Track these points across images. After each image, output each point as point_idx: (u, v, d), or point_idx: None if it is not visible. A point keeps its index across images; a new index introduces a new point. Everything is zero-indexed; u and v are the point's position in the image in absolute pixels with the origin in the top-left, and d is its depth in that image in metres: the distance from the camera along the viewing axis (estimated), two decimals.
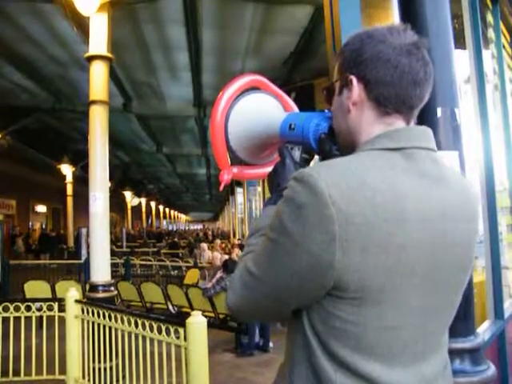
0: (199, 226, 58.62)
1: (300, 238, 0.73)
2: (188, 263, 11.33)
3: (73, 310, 4.15)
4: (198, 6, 7.11)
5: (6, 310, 4.38)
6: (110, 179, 6.29)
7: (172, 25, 7.78)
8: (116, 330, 3.71)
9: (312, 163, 1.03)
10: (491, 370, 1.42)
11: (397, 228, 0.73)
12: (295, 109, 1.25)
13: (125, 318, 3.55)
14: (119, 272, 11.64)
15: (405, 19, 1.36)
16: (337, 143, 0.93)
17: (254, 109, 1.19)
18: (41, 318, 4.51)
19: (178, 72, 10.16)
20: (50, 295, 6.62)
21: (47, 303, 4.48)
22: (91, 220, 5.20)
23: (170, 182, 34.30)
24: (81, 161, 18.98)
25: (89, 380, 4.10)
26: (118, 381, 4.08)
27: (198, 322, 2.92)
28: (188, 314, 3.12)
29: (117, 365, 3.97)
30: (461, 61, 2.42)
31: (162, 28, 7.93)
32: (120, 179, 26.48)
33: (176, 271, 11.59)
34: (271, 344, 5.95)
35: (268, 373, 4.97)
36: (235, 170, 1.23)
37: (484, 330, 2.14)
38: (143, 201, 36.74)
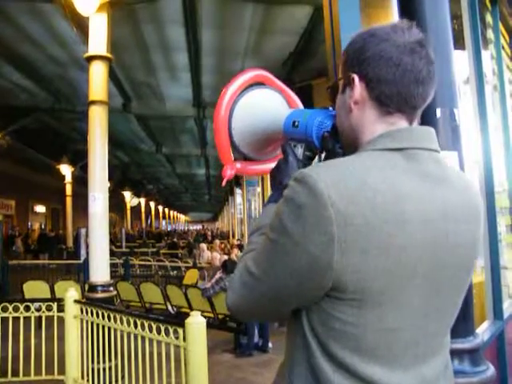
0: (198, 227, 58.58)
1: (299, 238, 0.72)
2: (187, 263, 11.32)
3: (72, 310, 4.15)
4: (197, 7, 7.11)
5: (4, 310, 4.37)
6: (110, 179, 6.29)
7: (171, 25, 7.78)
8: (115, 330, 3.71)
9: (315, 161, 1.03)
10: (490, 370, 1.42)
11: (397, 229, 0.73)
12: (300, 105, 1.24)
13: (124, 319, 3.55)
14: (118, 272, 11.64)
15: (405, 19, 1.36)
16: (340, 142, 0.93)
17: (258, 104, 1.19)
18: (40, 318, 4.51)
19: (178, 72, 10.16)
20: (48, 295, 6.61)
21: (46, 303, 4.48)
22: (90, 220, 5.20)
23: (170, 182, 34.29)
24: (80, 161, 18.97)
25: (88, 380, 4.09)
26: (117, 381, 4.09)
27: (197, 323, 2.92)
28: (187, 315, 3.12)
29: (116, 365, 3.96)
30: (460, 61, 2.42)
31: (161, 28, 7.93)
32: (119, 179, 26.46)
33: (175, 271, 11.59)
34: (270, 344, 5.95)
35: (267, 373, 4.97)
36: (238, 165, 1.22)
37: (483, 331, 2.14)
38: (142, 201, 36.72)
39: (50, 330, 4.40)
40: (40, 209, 26.18)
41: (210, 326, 4.08)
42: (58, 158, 19.38)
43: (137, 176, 30.36)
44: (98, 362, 4.02)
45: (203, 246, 12.41)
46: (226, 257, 8.44)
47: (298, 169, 0.95)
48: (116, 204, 27.46)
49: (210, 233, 30.34)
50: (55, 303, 4.46)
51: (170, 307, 7.03)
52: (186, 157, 21.57)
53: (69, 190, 19.96)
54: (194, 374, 2.83)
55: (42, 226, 25.92)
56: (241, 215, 21.96)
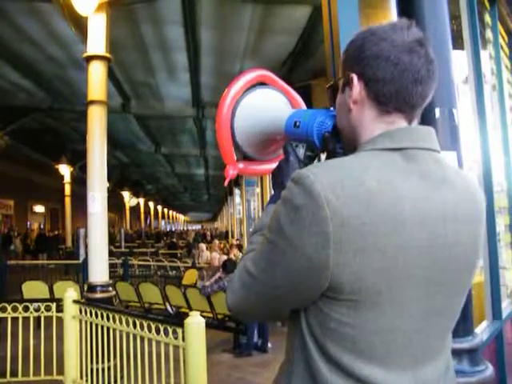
0: (198, 227, 58.57)
1: (296, 239, 0.73)
2: (186, 264, 11.32)
3: (71, 310, 4.14)
4: (196, 7, 7.10)
5: (3, 310, 4.37)
6: (109, 179, 6.29)
7: (170, 25, 7.78)
8: (114, 330, 3.70)
9: (316, 161, 1.03)
10: (489, 370, 1.42)
11: (395, 229, 0.72)
12: (302, 104, 1.24)
13: (123, 319, 3.54)
14: (117, 272, 11.64)
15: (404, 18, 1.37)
16: (341, 142, 0.93)
17: (261, 104, 1.19)
18: (39, 318, 4.51)
19: (177, 72, 10.16)
20: (47, 296, 6.60)
21: (45, 303, 4.47)
22: (89, 220, 5.19)
23: (169, 182, 34.27)
24: (79, 161, 18.97)
25: (87, 380, 4.09)
26: (116, 381, 4.08)
27: (196, 323, 2.92)
28: (186, 315, 3.12)
29: (115, 365, 3.96)
30: (459, 61, 2.42)
31: (160, 28, 7.93)
32: (118, 179, 26.45)
33: (174, 271, 11.58)
34: (270, 344, 5.95)
35: (266, 373, 4.97)
36: (241, 165, 1.23)
37: (482, 331, 2.14)
38: (141, 201, 36.71)
39: (48, 330, 4.40)
40: (39, 209, 26.17)
41: (209, 325, 4.08)
42: (57, 158, 19.37)
43: (136, 176, 30.35)
44: (97, 363, 4.02)
45: (202, 246, 12.41)
46: (225, 257, 8.44)
47: (299, 169, 0.95)
48: (115, 204, 27.48)
49: (209, 233, 30.33)
50: (54, 303, 4.45)
51: (169, 307, 7.03)
52: (185, 157, 21.56)
53: (68, 190, 19.95)
54: (193, 374, 2.83)
55: (41, 226, 25.92)
56: (240, 215, 21.97)
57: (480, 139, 2.43)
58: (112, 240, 19.67)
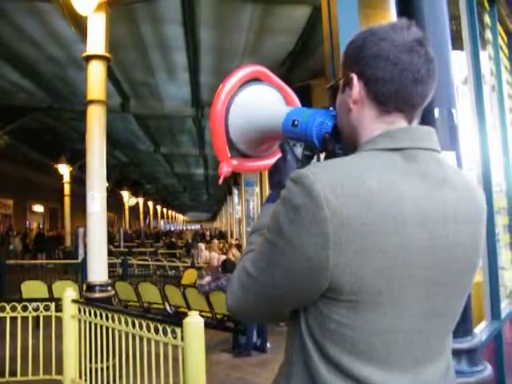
0: (197, 226, 58.55)
1: (295, 239, 0.72)
2: (185, 263, 11.32)
3: (70, 309, 4.14)
4: (196, 6, 7.10)
5: (2, 310, 4.36)
6: (108, 179, 6.29)
7: (170, 25, 7.78)
8: (113, 330, 3.70)
9: (315, 161, 1.02)
10: (488, 370, 1.42)
11: (395, 229, 0.72)
12: (297, 101, 1.23)
13: (122, 318, 3.54)
14: (116, 272, 11.62)
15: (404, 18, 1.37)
16: (341, 142, 0.92)
17: (256, 101, 1.17)
18: (37, 318, 4.49)
19: (176, 72, 10.16)
20: (46, 295, 6.59)
21: (44, 303, 4.47)
22: (89, 220, 5.19)
23: (168, 182, 34.26)
24: (78, 161, 18.95)
25: (85, 380, 4.08)
26: (114, 381, 4.08)
27: (195, 322, 2.92)
28: (185, 314, 3.12)
29: (114, 365, 3.96)
30: (458, 62, 2.43)
31: (159, 28, 7.92)
32: (118, 179, 26.44)
33: (173, 271, 11.57)
34: (269, 344, 5.95)
35: (265, 373, 4.97)
36: (235, 162, 1.21)
37: (481, 331, 2.14)
38: (141, 201, 36.70)
39: (47, 329, 4.39)
40: (38, 208, 26.16)
41: (208, 325, 4.08)
42: (56, 157, 19.35)
43: (135, 176, 30.34)
44: (96, 362, 4.01)
45: (201, 245, 12.42)
46: (224, 257, 8.44)
47: (297, 168, 0.94)
48: (114, 204, 27.49)
49: (208, 232, 30.33)
50: (53, 303, 4.44)
51: (168, 307, 7.02)
52: (185, 156, 21.56)
53: (67, 189, 19.93)
54: (192, 374, 2.82)
55: (40, 226, 25.90)
56: (238, 215, 21.97)
57: (479, 140, 2.43)
58: (111, 239, 19.68)
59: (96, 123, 5.27)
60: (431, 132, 0.84)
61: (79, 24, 6.23)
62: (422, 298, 0.76)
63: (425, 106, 0.85)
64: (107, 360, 3.93)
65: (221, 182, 1.26)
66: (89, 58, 5.32)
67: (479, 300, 2.38)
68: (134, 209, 37.62)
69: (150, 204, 43.42)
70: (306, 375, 0.78)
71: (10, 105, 12.48)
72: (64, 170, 19.57)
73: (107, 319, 3.72)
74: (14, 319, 4.38)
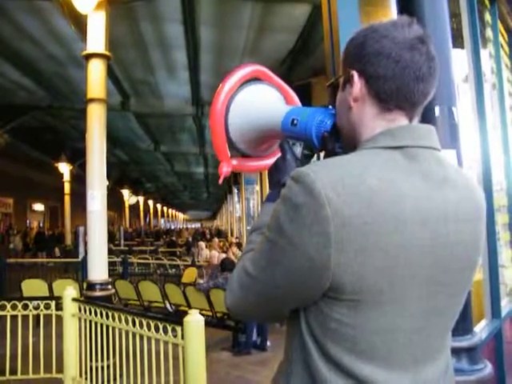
0: (197, 225, 58.56)
1: (296, 238, 0.72)
2: (186, 262, 11.32)
3: (70, 308, 4.14)
4: (196, 4, 7.09)
5: (2, 308, 4.36)
6: (108, 177, 6.29)
7: (170, 23, 7.77)
8: (113, 328, 3.70)
9: (313, 160, 1.02)
10: (488, 368, 1.42)
11: (396, 228, 0.72)
12: (297, 100, 1.23)
13: (122, 317, 3.54)
14: (117, 270, 11.60)
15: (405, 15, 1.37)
16: (340, 141, 0.92)
17: (256, 100, 1.17)
18: (38, 316, 4.50)
19: (176, 70, 10.15)
20: (47, 294, 6.60)
21: (44, 302, 4.47)
22: (89, 218, 5.19)
23: (168, 180, 34.26)
24: (79, 159, 18.95)
25: (86, 378, 4.09)
26: (115, 379, 4.08)
27: (195, 321, 2.92)
28: (185, 313, 3.12)
29: (114, 363, 3.96)
30: (459, 60, 2.42)
31: (159, 26, 7.92)
32: (118, 178, 26.45)
33: (174, 270, 11.58)
34: (269, 343, 5.95)
35: (265, 371, 4.97)
36: (235, 162, 1.21)
37: (481, 329, 2.14)
38: (141, 199, 36.71)
39: (48, 328, 4.39)
40: (38, 207, 26.16)
41: (208, 324, 4.08)
42: (57, 156, 19.36)
43: (135, 174, 30.34)
44: (97, 361, 4.02)
45: (202, 244, 12.42)
46: (224, 255, 8.44)
47: (297, 167, 0.94)
48: (114, 202, 27.48)
49: (207, 231, 30.26)
50: (53, 301, 4.45)
51: (168, 305, 7.03)
52: (185, 155, 21.56)
53: (67, 188, 19.93)
54: (192, 372, 2.83)
55: (41, 225, 25.91)
56: (238, 214, 21.96)
57: (480, 138, 2.43)
58: (112, 238, 19.69)
59: (96, 122, 5.28)
60: (431, 130, 0.83)
61: (79, 22, 6.22)
62: (422, 297, 0.76)
63: (425, 104, 0.85)
64: (108, 358, 3.93)
65: (221, 181, 1.25)
66: (89, 56, 5.32)
67: (479, 298, 2.38)
68: (135, 207, 37.62)
69: (151, 202, 43.44)
70: (306, 374, 0.77)
71: (10, 103, 12.47)
72: (64, 168, 19.58)
73: (107, 318, 3.72)
74: (14, 318, 4.38)
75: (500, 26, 3.18)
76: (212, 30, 7.97)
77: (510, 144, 3.11)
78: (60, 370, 4.21)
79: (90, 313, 3.96)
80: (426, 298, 0.76)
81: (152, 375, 3.25)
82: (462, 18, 2.43)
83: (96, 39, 5.33)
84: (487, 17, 3.01)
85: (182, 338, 2.93)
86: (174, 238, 21.98)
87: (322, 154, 0.98)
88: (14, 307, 4.38)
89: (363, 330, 0.73)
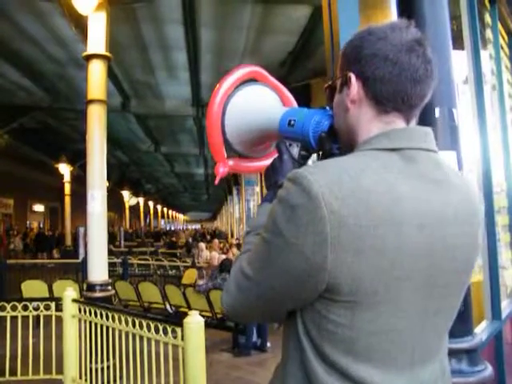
0: (197, 226, 58.56)
1: (292, 239, 0.72)
2: (186, 263, 11.31)
3: (70, 309, 4.14)
4: (196, 6, 7.11)
5: (2, 309, 4.37)
6: (108, 179, 6.29)
7: (170, 24, 7.78)
8: (113, 329, 3.70)
9: (310, 161, 1.02)
10: (488, 370, 1.42)
11: (392, 230, 0.72)
12: (293, 102, 1.23)
13: (122, 318, 3.54)
14: (117, 271, 11.60)
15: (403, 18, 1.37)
16: (337, 142, 0.92)
17: (252, 101, 1.17)
18: (38, 317, 4.50)
19: (177, 71, 10.16)
20: (47, 295, 6.60)
21: (44, 302, 4.47)
22: (89, 219, 5.19)
23: (168, 181, 34.29)
24: (79, 160, 18.96)
25: (86, 380, 4.09)
26: (115, 381, 4.08)
27: (195, 322, 2.92)
28: (185, 314, 3.12)
29: (114, 365, 3.96)
30: (459, 61, 2.42)
31: (160, 27, 7.93)
32: (118, 179, 26.45)
33: (174, 271, 11.57)
34: (269, 344, 5.95)
35: (265, 372, 4.97)
36: (231, 162, 1.21)
37: (481, 331, 2.14)
38: (141, 200, 36.71)
39: (48, 329, 4.39)
40: (38, 208, 26.17)
41: (208, 325, 4.08)
42: (57, 157, 19.37)
43: (135, 175, 30.35)
44: (97, 362, 4.02)
45: (202, 245, 12.40)
46: (224, 256, 8.44)
47: (294, 168, 0.93)
48: (115, 203, 27.46)
49: (207, 232, 30.20)
50: (53, 302, 4.45)
51: (168, 307, 7.02)
52: (185, 156, 21.58)
53: (67, 189, 19.96)
54: (192, 374, 2.83)
55: (41, 225, 25.91)
56: (238, 215, 21.97)
57: (480, 139, 2.43)
58: (113, 239, 19.69)
59: (96, 123, 5.28)
60: (428, 133, 0.84)
61: (80, 23, 6.24)
62: (418, 299, 0.76)
63: (425, 106, 0.85)
64: (107, 360, 3.93)
65: (217, 182, 1.25)
66: (89, 57, 5.32)
67: (480, 300, 2.38)
68: (135, 208, 37.62)
69: (151, 204, 43.44)
70: (302, 374, 0.77)
71: (10, 104, 12.49)
72: (64, 169, 19.60)
73: (107, 319, 3.72)
74: (14, 318, 4.38)
75: (500, 27, 3.19)
76: (212, 31, 7.99)
77: (510, 145, 3.11)
78: (60, 371, 4.20)
79: (90, 314, 3.96)
80: (421, 299, 0.76)
81: (152, 376, 3.25)
82: (462, 19, 2.43)
83: (96, 40, 5.33)
84: (487, 18, 3.01)
85: (182, 339, 2.93)
86: (174, 239, 21.97)
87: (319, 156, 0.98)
88: (13, 308, 4.38)
89: (359, 331, 0.73)
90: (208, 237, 23.73)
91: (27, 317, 4.42)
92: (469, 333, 1.43)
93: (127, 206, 32.26)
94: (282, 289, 0.76)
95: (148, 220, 45.23)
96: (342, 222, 0.70)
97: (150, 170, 27.86)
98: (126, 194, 30.59)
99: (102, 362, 3.96)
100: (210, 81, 10.29)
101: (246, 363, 5.49)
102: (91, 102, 5.29)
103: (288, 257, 0.73)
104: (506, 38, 3.42)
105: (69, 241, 19.07)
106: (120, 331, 3.60)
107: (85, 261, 7.80)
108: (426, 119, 1.17)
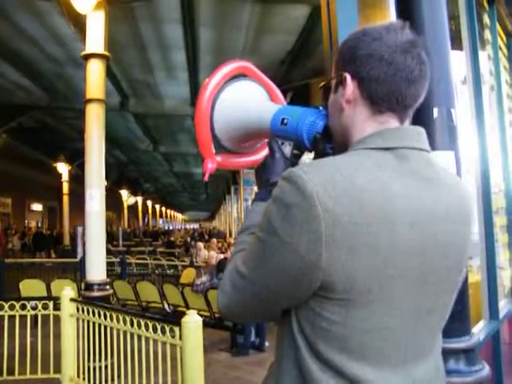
0: (195, 225, 58.53)
1: (287, 237, 0.73)
2: (184, 262, 11.31)
3: (68, 308, 4.13)
4: (195, 5, 7.11)
5: (0, 308, 4.36)
6: (107, 178, 6.29)
7: (169, 23, 7.78)
8: (111, 328, 3.70)
9: (302, 159, 1.02)
10: (486, 370, 1.42)
11: (385, 229, 0.72)
12: (281, 97, 1.22)
13: (120, 317, 3.54)
14: (115, 271, 11.59)
15: (402, 20, 1.37)
16: (331, 142, 0.92)
17: (241, 97, 1.16)
18: (36, 316, 4.49)
19: (175, 71, 10.16)
20: (45, 294, 6.59)
21: (42, 302, 4.47)
22: (87, 218, 5.19)
23: (167, 181, 34.27)
24: (77, 159, 18.93)
25: (84, 379, 4.09)
26: (113, 380, 4.08)
27: (193, 321, 2.91)
28: (183, 313, 3.12)
29: (112, 364, 3.96)
30: (457, 62, 2.43)
31: (159, 26, 7.92)
32: (116, 178, 26.43)
33: (172, 270, 11.57)
34: (267, 343, 5.95)
35: (263, 372, 4.86)
36: (219, 158, 1.20)
37: (479, 331, 2.15)
38: (139, 200, 36.67)
39: (46, 328, 4.39)
40: (37, 207, 26.13)
41: (206, 324, 4.08)
42: (55, 156, 19.34)
43: (134, 175, 30.34)
44: (94, 361, 4.01)
45: (200, 244, 12.38)
46: (222, 256, 8.43)
47: (286, 167, 0.94)
48: (113, 203, 27.46)
49: (205, 231, 30.13)
50: (51, 302, 4.45)
51: (166, 306, 7.02)
52: (184, 156, 21.56)
53: (66, 188, 19.92)
54: (190, 373, 2.82)
55: (39, 225, 25.87)
56: (237, 214, 21.96)
57: (478, 140, 2.43)
58: (111, 238, 19.66)
59: (95, 122, 5.28)
60: (421, 132, 0.85)
61: (78, 23, 6.23)
62: (411, 297, 0.77)
63: (424, 106, 0.86)
64: (105, 359, 3.93)
65: (206, 178, 1.25)
66: (88, 56, 5.32)
67: (477, 299, 2.38)
68: (133, 208, 37.60)
69: (149, 203, 43.41)
70: (297, 372, 0.78)
71: (8, 103, 12.48)
72: (63, 168, 19.56)
73: (105, 318, 3.72)
74: (12, 318, 4.37)
75: (498, 28, 3.19)
76: (211, 30, 7.98)
77: (508, 146, 3.11)
78: (58, 370, 4.20)
79: (88, 313, 3.95)
80: (415, 297, 0.77)
81: (150, 376, 3.25)
82: (460, 20, 2.44)
83: (95, 39, 5.33)
84: (486, 19, 3.01)
85: (180, 338, 2.93)
86: (172, 239, 21.97)
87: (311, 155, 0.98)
88: (11, 307, 4.38)
89: (353, 328, 0.74)
90: (206, 236, 23.69)
91: (25, 316, 4.41)
92: (466, 332, 1.44)
93: (125, 205, 32.23)
94: (276, 287, 0.77)
95: (146, 219, 45.21)
96: (337, 220, 0.70)
97: (149, 170, 27.84)
98: (124, 193, 30.56)
99: (100, 360, 3.96)
100: None
101: (244, 363, 5.49)
102: (90, 101, 5.28)
103: (283, 255, 0.74)
104: (504, 38, 3.42)
105: (67, 240, 19.04)
106: (118, 330, 3.60)
107: (83, 260, 7.79)
108: (424, 119, 1.17)
